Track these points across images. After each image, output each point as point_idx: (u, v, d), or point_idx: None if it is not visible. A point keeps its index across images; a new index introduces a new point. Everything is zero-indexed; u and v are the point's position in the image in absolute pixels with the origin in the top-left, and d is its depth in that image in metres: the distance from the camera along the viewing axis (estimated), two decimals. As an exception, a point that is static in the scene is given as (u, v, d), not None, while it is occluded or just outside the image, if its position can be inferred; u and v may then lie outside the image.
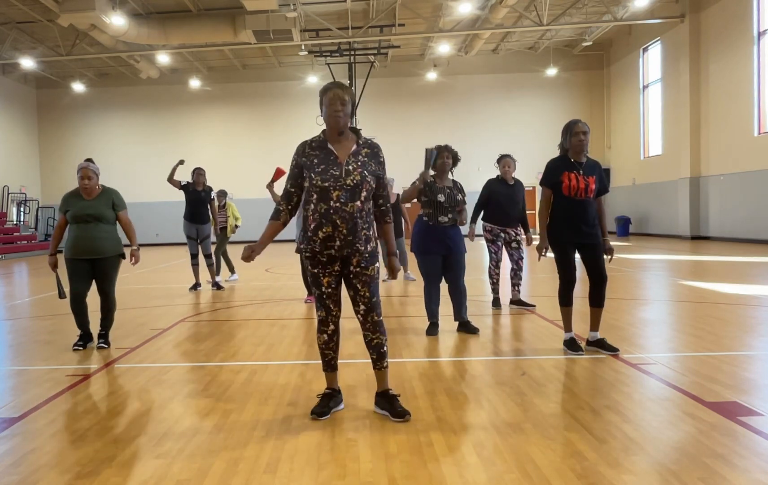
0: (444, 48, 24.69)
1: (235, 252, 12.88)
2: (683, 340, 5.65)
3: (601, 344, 5.11)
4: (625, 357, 4.92)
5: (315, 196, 3.52)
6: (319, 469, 2.97)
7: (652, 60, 23.82)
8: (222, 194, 11.61)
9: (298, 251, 3.71)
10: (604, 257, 5.13)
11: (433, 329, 6.02)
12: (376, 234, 3.73)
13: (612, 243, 5.28)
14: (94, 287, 5.82)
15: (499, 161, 7.51)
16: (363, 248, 3.57)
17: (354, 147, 3.61)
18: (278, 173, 8.16)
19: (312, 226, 3.56)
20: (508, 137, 25.67)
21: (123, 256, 5.81)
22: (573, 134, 5.01)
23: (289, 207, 3.67)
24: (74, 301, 5.74)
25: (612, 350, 5.04)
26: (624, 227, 23.76)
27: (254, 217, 26.83)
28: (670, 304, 7.91)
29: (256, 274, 13.07)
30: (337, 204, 3.48)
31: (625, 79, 25.76)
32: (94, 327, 5.94)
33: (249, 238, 30.68)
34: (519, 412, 3.69)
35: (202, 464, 3.05)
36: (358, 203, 3.52)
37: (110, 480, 2.90)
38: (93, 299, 5.85)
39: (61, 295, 5.96)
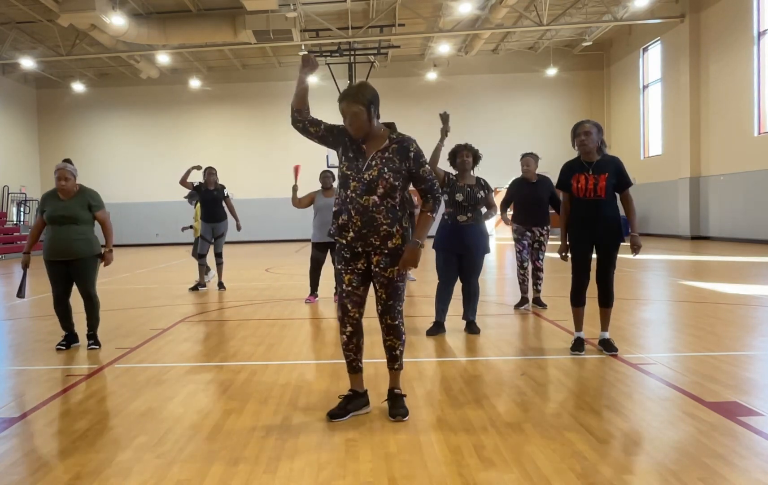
0: (444, 48, 24.68)
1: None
2: (683, 340, 5.65)
3: (604, 344, 5.11)
4: (625, 357, 4.92)
5: (339, 181, 3.62)
6: (319, 469, 2.97)
7: (652, 60, 23.82)
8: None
9: (329, 235, 3.78)
10: (631, 253, 5.14)
11: (435, 329, 6.00)
12: (409, 230, 3.63)
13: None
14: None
15: (521, 160, 7.47)
16: (379, 244, 3.53)
17: (385, 143, 3.58)
18: (296, 171, 8.27)
19: (335, 209, 3.65)
20: (509, 137, 25.66)
21: (100, 256, 5.75)
22: (576, 135, 5.06)
23: (309, 119, 3.73)
24: (56, 303, 5.75)
25: (611, 350, 5.04)
26: (624, 227, 23.70)
27: (254, 217, 26.92)
28: (670, 304, 7.91)
29: (256, 274, 13.06)
30: (353, 194, 3.50)
31: (625, 79, 25.75)
32: (82, 329, 5.92)
33: (250, 238, 30.50)
34: (519, 412, 3.69)
35: (202, 464, 3.05)
36: (375, 198, 3.49)
37: (110, 480, 2.90)
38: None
39: (20, 294, 5.82)
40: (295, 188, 8.35)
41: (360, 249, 3.58)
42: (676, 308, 7.56)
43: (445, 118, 5.80)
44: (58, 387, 4.55)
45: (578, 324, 5.21)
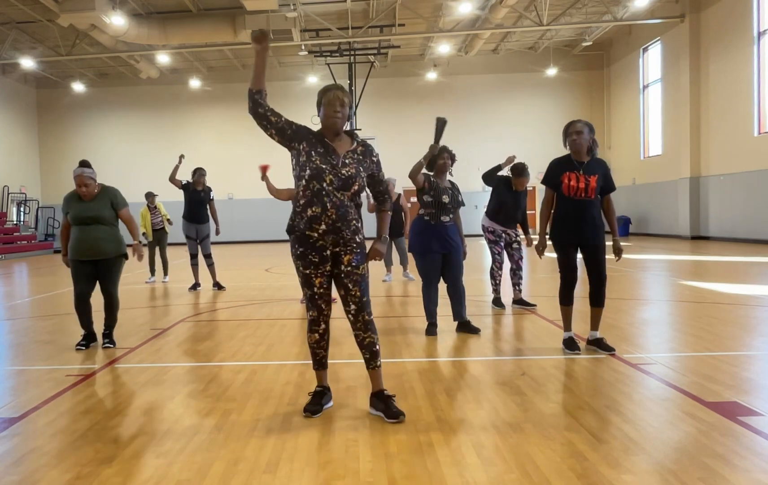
0: (444, 48, 24.69)
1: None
2: (683, 340, 5.65)
3: (598, 344, 5.11)
4: (625, 357, 4.92)
5: (308, 172, 3.54)
6: (319, 469, 2.97)
7: (652, 60, 23.82)
8: (150, 195, 11.94)
9: (288, 230, 3.76)
10: (613, 256, 5.14)
11: (432, 330, 6.02)
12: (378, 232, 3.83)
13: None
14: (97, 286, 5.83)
15: (518, 176, 7.37)
16: (350, 238, 3.62)
17: (353, 145, 3.70)
18: (263, 169, 8.06)
19: (302, 202, 3.61)
20: (509, 137, 25.68)
21: (125, 256, 5.84)
22: (568, 134, 5.05)
23: (266, 109, 3.58)
24: (78, 302, 5.76)
25: (609, 349, 5.05)
26: (624, 227, 23.73)
27: (254, 217, 26.96)
28: (670, 304, 7.91)
29: (256, 274, 13.06)
30: (330, 187, 3.54)
31: (625, 79, 25.75)
32: (98, 327, 5.96)
33: (251, 238, 30.34)
34: (519, 412, 3.69)
35: (202, 464, 3.05)
36: (348, 194, 3.59)
37: (110, 480, 2.90)
38: (97, 298, 5.86)
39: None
40: (265, 181, 8.06)
41: (328, 252, 3.62)
42: (676, 308, 7.56)
43: (440, 126, 5.69)
44: (58, 387, 4.55)
45: (568, 324, 5.22)
